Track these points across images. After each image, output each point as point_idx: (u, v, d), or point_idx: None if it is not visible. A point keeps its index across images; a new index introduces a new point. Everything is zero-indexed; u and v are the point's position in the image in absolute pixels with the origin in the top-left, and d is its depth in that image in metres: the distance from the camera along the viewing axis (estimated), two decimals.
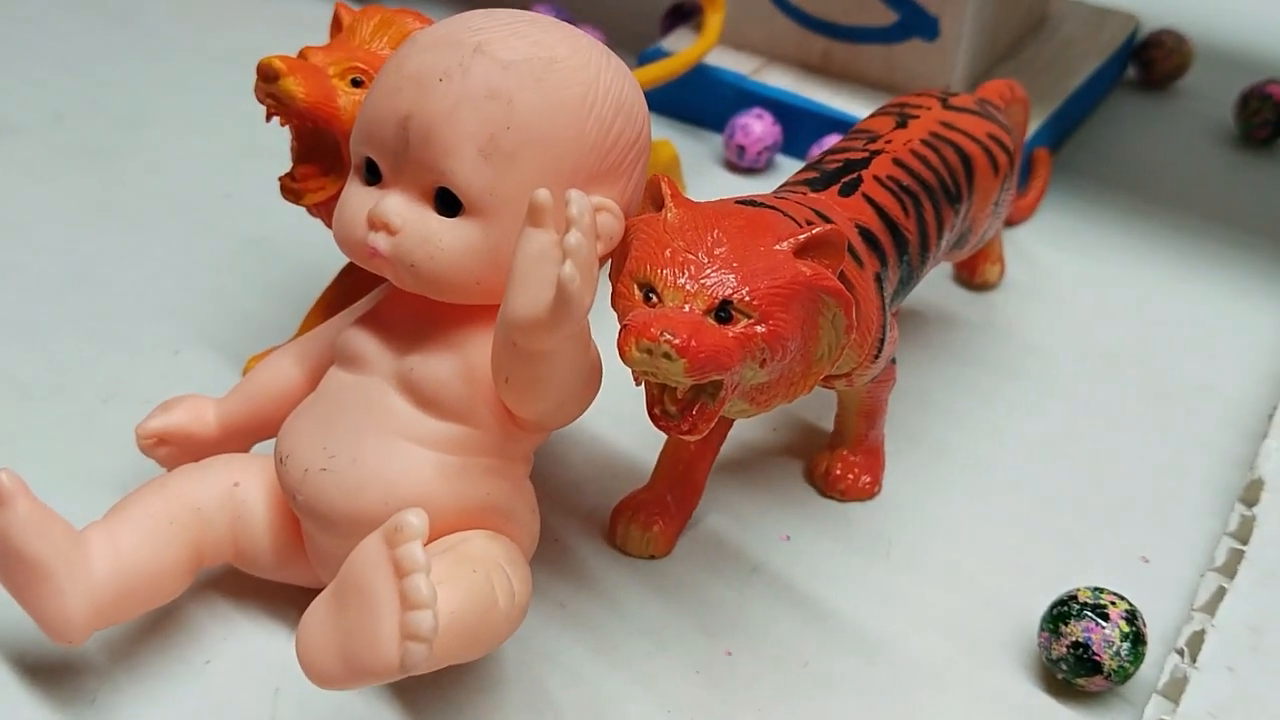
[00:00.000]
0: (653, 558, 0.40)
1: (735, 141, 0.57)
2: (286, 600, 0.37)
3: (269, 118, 0.39)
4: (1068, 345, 0.50)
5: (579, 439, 0.44)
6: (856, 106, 0.57)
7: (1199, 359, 0.49)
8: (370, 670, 0.28)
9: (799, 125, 0.58)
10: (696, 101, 0.60)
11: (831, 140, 0.56)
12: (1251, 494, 0.41)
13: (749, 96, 0.59)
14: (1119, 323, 0.51)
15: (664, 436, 0.40)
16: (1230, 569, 0.39)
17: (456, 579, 0.30)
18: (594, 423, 0.44)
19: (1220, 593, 0.38)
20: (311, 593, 0.32)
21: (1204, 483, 0.44)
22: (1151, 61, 0.66)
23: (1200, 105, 0.66)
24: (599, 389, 0.34)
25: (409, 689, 0.35)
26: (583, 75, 0.33)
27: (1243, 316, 0.52)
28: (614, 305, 0.34)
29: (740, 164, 0.58)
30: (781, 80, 0.59)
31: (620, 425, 0.44)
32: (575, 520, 0.41)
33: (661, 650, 0.37)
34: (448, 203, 0.33)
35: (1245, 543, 0.40)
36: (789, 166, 0.59)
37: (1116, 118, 0.64)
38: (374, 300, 0.36)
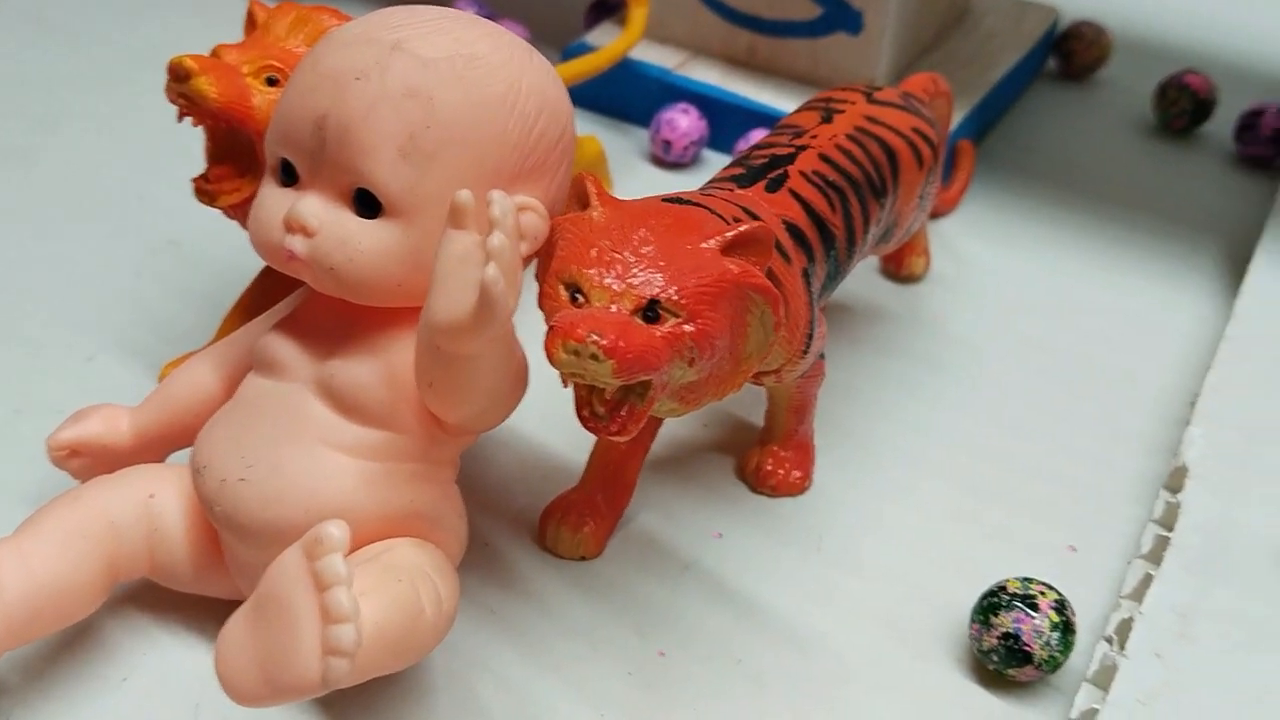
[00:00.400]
0: (583, 559, 0.40)
1: (661, 136, 0.57)
2: (206, 614, 0.36)
3: (181, 118, 0.38)
4: (993, 337, 0.50)
5: (507, 441, 0.43)
6: (782, 100, 0.57)
7: (1122, 348, 0.50)
8: (291, 687, 0.27)
9: (725, 120, 0.58)
10: (621, 96, 0.60)
11: (758, 135, 0.56)
12: (1176, 481, 0.42)
13: (674, 91, 0.59)
14: (1043, 313, 0.51)
15: (593, 437, 0.40)
16: (1156, 556, 0.39)
17: (380, 589, 0.30)
18: (522, 424, 0.43)
19: (1147, 580, 0.38)
20: (232, 605, 0.31)
21: (1129, 471, 0.44)
22: (1071, 53, 0.67)
23: (1119, 96, 0.66)
24: (525, 391, 0.34)
25: (335, 700, 0.35)
26: (505, 73, 0.33)
27: (1164, 305, 0.52)
28: (540, 306, 0.33)
29: (666, 159, 0.58)
30: (707, 75, 0.59)
31: (549, 426, 0.43)
32: (504, 523, 0.41)
33: (593, 652, 0.37)
34: (367, 204, 0.32)
35: (1171, 529, 0.40)
36: (716, 161, 0.58)
37: (1038, 109, 0.65)
38: (293, 304, 0.36)
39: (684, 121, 0.57)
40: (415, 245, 0.32)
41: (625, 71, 0.59)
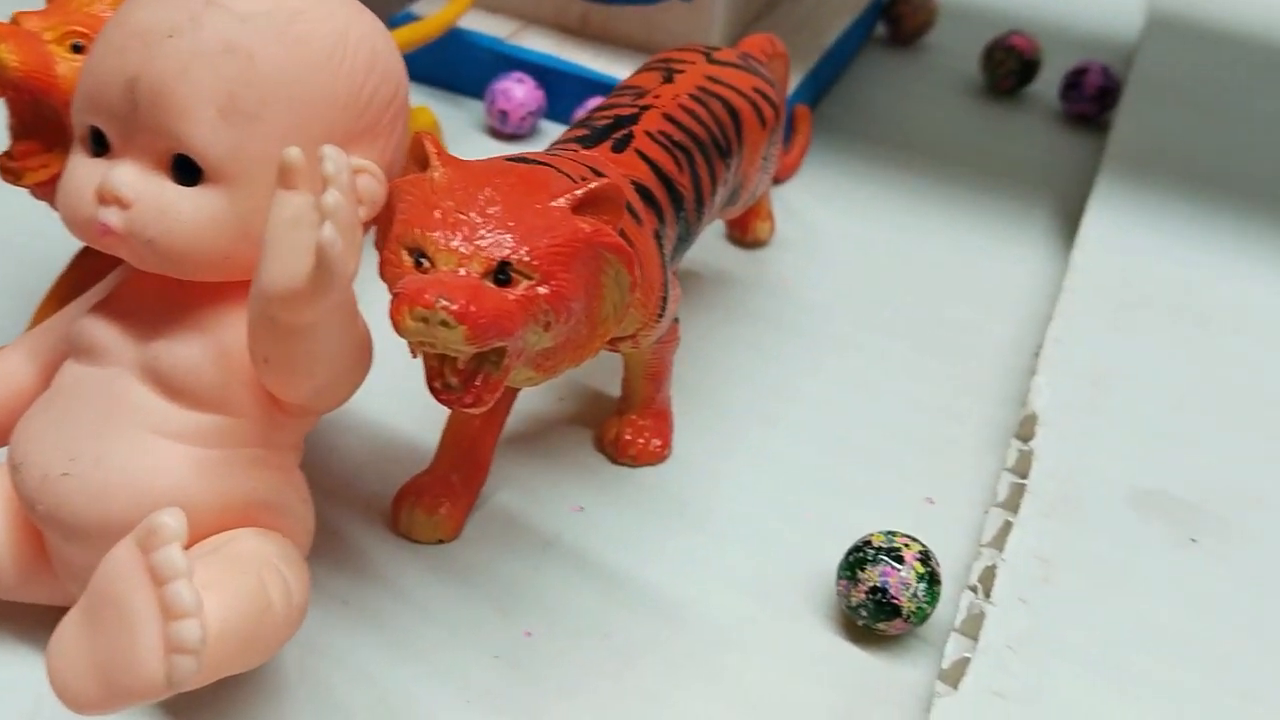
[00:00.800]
0: (441, 542, 0.38)
1: (497, 107, 0.55)
2: (36, 622, 0.33)
3: None
4: (840, 298, 0.50)
5: (352, 422, 0.41)
6: (618, 69, 0.56)
7: (965, 303, 0.50)
8: (133, 690, 0.25)
9: (561, 89, 0.57)
10: (453, 67, 0.58)
11: (596, 104, 0.55)
12: (1026, 429, 0.42)
13: (508, 61, 0.57)
14: (886, 273, 0.52)
15: (445, 414, 0.38)
16: (1013, 504, 0.40)
17: (224, 582, 0.28)
18: (368, 406, 0.41)
19: (1006, 527, 0.39)
20: (64, 612, 0.29)
21: (980, 422, 0.44)
22: (899, 18, 0.68)
23: (947, 59, 0.67)
24: (370, 366, 0.32)
25: (181, 704, 0.32)
26: (330, 26, 0.31)
27: (1003, 260, 0.53)
28: (382, 274, 0.32)
29: (503, 130, 0.56)
30: (541, 44, 0.58)
31: (397, 405, 0.41)
32: (354, 509, 0.39)
33: (455, 638, 0.35)
34: (186, 170, 0.30)
35: (1025, 477, 0.40)
36: (553, 132, 0.57)
37: (869, 75, 0.66)
38: (112, 284, 0.33)
39: (520, 91, 0.55)
40: (241, 213, 0.30)
41: (456, 41, 0.57)
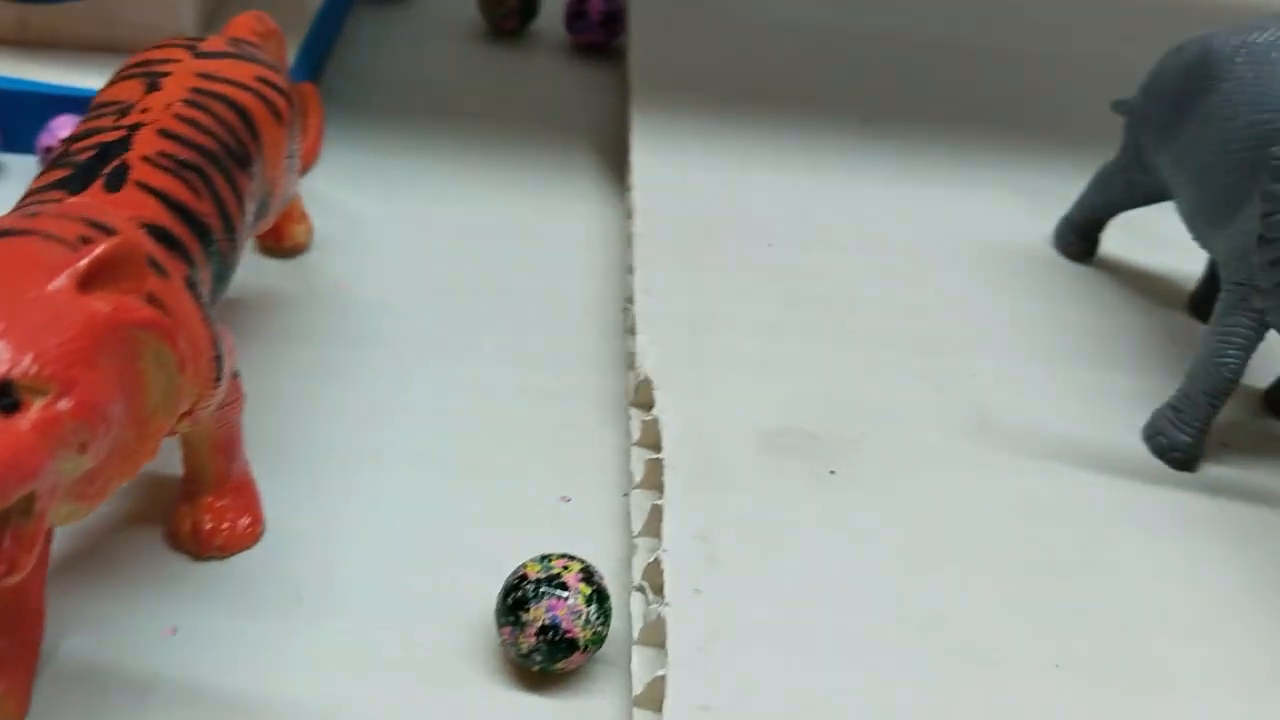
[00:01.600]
0: None
1: None
2: None
3: None
4: (406, 293, 0.45)
5: None
6: (81, 76, 0.47)
7: (538, 269, 0.47)
8: None
9: (13, 113, 0.47)
10: None
11: (66, 122, 0.46)
12: (644, 396, 0.39)
13: None
14: (447, 254, 0.47)
15: None
16: (653, 481, 0.37)
17: None
18: None
19: (656, 512, 0.35)
20: None
21: (591, 396, 0.41)
22: None
23: (442, 8, 0.63)
24: None
25: None
26: None
27: (560, 214, 0.50)
28: None
29: None
30: None
31: None
32: None
33: None
34: None
35: (658, 450, 0.37)
36: (13, 167, 0.47)
37: (365, 37, 0.60)
38: None
39: None
40: None
41: None
